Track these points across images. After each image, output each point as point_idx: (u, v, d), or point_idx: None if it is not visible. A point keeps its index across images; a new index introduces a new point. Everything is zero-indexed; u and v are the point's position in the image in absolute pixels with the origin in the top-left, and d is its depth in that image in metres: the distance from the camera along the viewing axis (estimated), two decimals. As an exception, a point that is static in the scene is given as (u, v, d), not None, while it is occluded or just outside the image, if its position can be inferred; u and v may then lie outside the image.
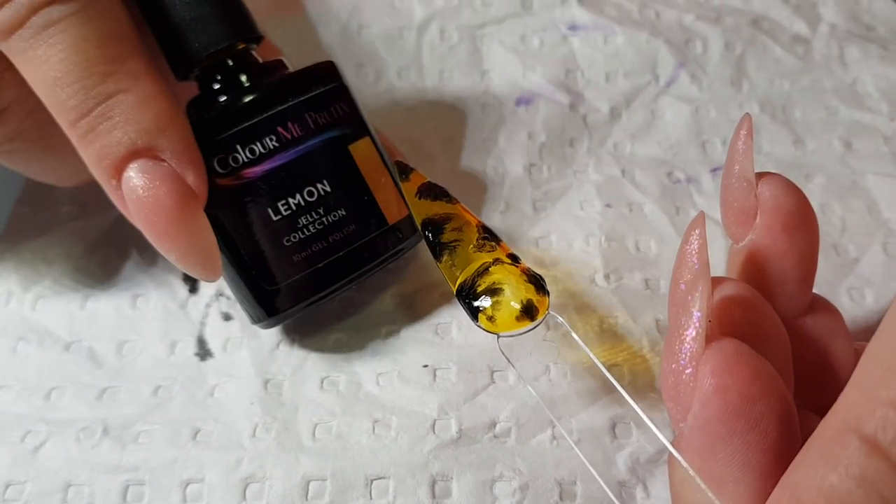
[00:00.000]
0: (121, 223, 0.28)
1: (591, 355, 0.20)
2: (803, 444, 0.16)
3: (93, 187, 0.29)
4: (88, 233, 0.28)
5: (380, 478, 0.21)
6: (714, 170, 0.29)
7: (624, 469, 0.22)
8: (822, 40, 0.33)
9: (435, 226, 0.23)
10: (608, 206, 0.28)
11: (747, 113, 0.19)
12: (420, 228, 0.23)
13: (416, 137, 0.30)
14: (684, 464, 0.16)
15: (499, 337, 0.21)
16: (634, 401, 0.18)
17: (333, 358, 0.24)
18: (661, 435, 0.17)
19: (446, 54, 0.32)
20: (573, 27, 0.33)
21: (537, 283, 0.21)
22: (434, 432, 0.22)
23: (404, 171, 0.24)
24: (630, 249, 0.26)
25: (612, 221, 0.27)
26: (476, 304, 0.21)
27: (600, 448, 0.22)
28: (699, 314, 0.16)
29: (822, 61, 0.32)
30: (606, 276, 0.26)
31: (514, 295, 0.21)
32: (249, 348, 0.25)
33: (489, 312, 0.21)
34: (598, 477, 0.21)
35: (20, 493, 0.22)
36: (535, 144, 0.30)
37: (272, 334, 0.25)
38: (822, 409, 0.17)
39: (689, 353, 0.16)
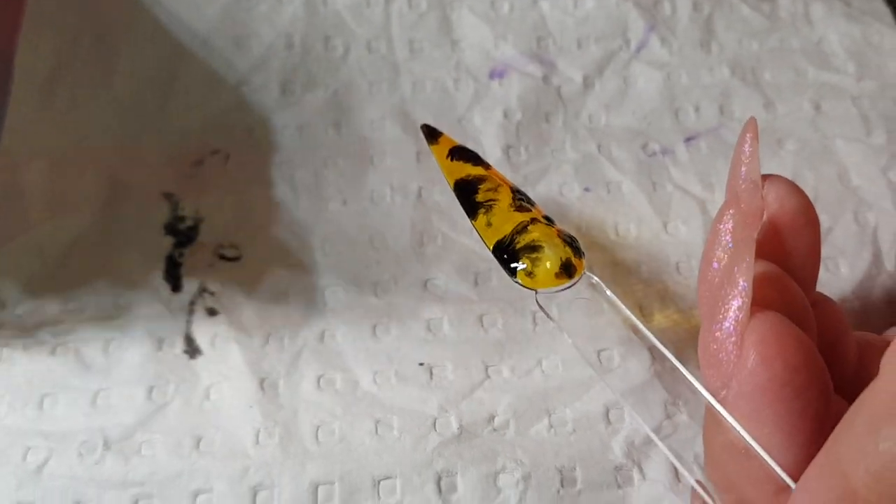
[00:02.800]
0: (96, 222, 0.27)
1: (628, 312, 0.21)
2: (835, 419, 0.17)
3: (70, 186, 0.28)
4: (64, 234, 0.27)
5: (386, 478, 0.22)
6: (688, 139, 0.29)
7: (620, 453, 0.22)
8: (787, -3, 0.33)
9: (469, 185, 0.23)
10: (587, 189, 0.28)
11: (753, 117, 0.19)
12: (453, 189, 0.23)
13: (389, 118, 0.30)
14: (735, 424, 0.17)
15: (537, 293, 0.21)
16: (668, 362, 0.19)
17: (326, 354, 0.24)
18: (706, 393, 0.18)
19: (416, 23, 0.32)
20: (542, -9, 0.32)
21: (573, 244, 0.22)
22: (436, 430, 0.23)
23: (432, 134, 0.24)
24: (610, 235, 0.27)
25: (592, 207, 0.27)
26: (515, 261, 0.21)
27: (596, 435, 0.23)
28: (745, 284, 0.17)
29: (789, 20, 0.32)
30: (590, 268, 0.26)
31: (553, 253, 0.21)
32: (238, 343, 0.25)
33: (529, 269, 0.21)
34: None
35: (29, 514, 0.22)
36: (512, 123, 0.29)
37: (260, 327, 0.25)
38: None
39: (734, 322, 0.17)
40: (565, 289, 0.21)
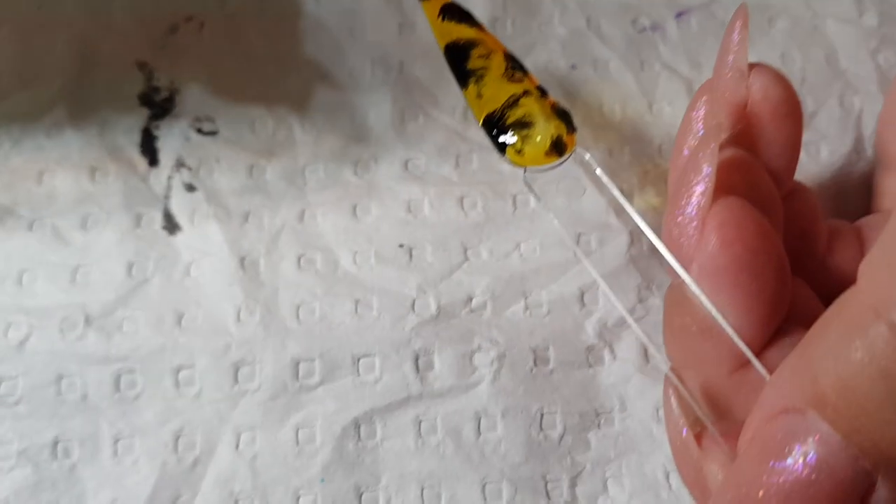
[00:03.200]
0: (67, 89, 0.27)
1: (616, 192, 0.21)
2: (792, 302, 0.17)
3: (38, 56, 0.27)
4: (36, 104, 0.27)
5: (366, 356, 0.23)
6: (679, 14, 0.28)
7: (592, 334, 0.23)
8: None
9: (460, 51, 0.22)
10: (573, 66, 0.27)
11: (744, 3, 0.19)
12: (443, 53, 0.23)
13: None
14: (705, 300, 0.17)
15: (525, 170, 0.21)
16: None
17: (306, 233, 0.25)
18: (679, 267, 0.18)
19: None
20: None
21: (566, 118, 0.21)
22: (414, 310, 0.23)
23: None
24: (595, 116, 0.26)
25: (578, 85, 0.27)
26: (504, 137, 0.21)
27: (570, 316, 0.23)
28: (709, 169, 0.17)
29: None
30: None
31: (543, 130, 0.21)
32: (218, 220, 0.25)
33: (518, 146, 0.21)
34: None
35: (14, 388, 0.22)
36: (499, -6, 0.28)
37: (239, 205, 0.25)
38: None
39: (696, 206, 0.17)
40: (555, 167, 0.21)
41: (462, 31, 0.23)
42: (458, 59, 0.22)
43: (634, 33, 0.28)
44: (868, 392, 0.14)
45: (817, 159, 0.26)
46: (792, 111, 0.19)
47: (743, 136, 0.19)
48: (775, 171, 0.19)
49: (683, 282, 0.18)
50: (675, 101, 0.27)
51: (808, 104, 0.27)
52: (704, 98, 0.20)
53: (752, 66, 0.19)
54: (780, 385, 0.15)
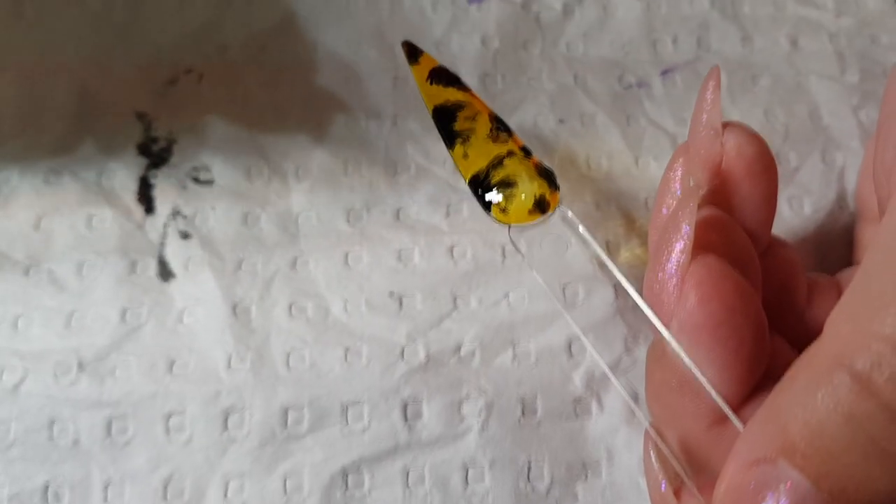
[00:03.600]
0: (67, 136, 0.27)
1: (598, 248, 0.22)
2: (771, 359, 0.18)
3: (39, 102, 0.28)
4: (34, 149, 0.27)
5: (355, 403, 0.23)
6: (664, 72, 0.29)
7: (580, 385, 0.23)
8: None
9: (447, 113, 0.23)
10: (561, 121, 0.28)
11: (716, 65, 0.20)
12: (431, 115, 0.23)
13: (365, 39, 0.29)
14: (683, 355, 0.18)
15: (510, 228, 0.22)
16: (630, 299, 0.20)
17: (298, 280, 0.25)
18: (660, 325, 0.18)
19: (393, -58, 0.31)
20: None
21: (549, 177, 0.22)
22: (403, 358, 0.23)
23: (413, 53, 0.24)
24: (582, 169, 0.27)
25: (566, 139, 0.28)
26: (489, 196, 0.22)
27: (558, 366, 0.24)
28: (688, 228, 0.18)
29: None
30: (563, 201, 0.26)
31: (527, 188, 0.22)
32: (212, 267, 0.25)
33: (502, 204, 0.22)
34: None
35: (7, 431, 0.23)
36: (490, 51, 0.29)
37: (233, 252, 0.25)
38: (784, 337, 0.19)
39: (675, 264, 0.18)
40: (538, 224, 0.22)
41: (449, 94, 0.24)
42: (446, 120, 0.23)
43: (620, 89, 0.29)
44: (834, 437, 0.14)
45: (801, 213, 0.26)
46: (766, 168, 0.20)
47: (719, 193, 0.20)
48: (752, 227, 0.20)
49: (664, 338, 0.18)
50: (661, 156, 0.27)
51: (791, 159, 0.27)
52: (681, 159, 0.20)
53: (725, 124, 0.20)
54: (752, 436, 0.16)
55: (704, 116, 0.20)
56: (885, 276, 0.15)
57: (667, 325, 0.18)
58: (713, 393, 0.17)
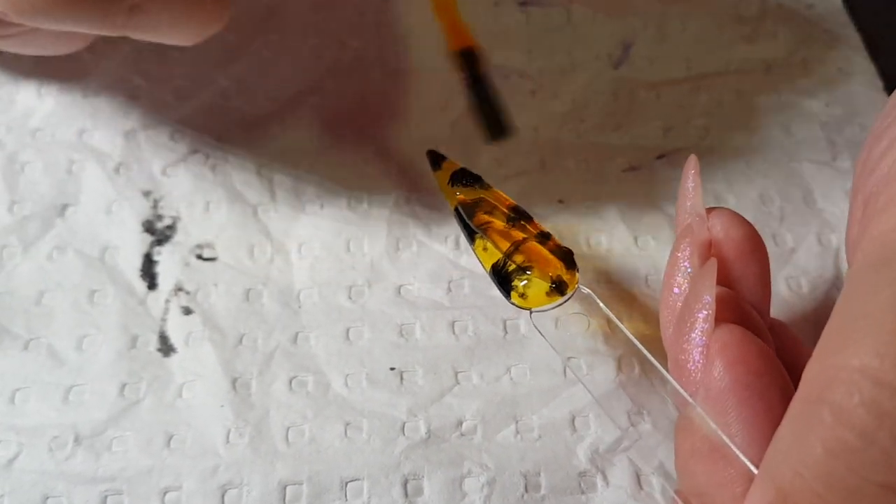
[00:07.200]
0: (65, 215, 0.28)
1: (620, 325, 0.22)
2: None
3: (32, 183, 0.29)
4: (30, 225, 0.27)
5: (354, 479, 0.22)
6: (659, 157, 0.30)
7: (584, 460, 0.23)
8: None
9: (467, 210, 0.24)
10: (560, 201, 0.28)
11: (693, 155, 0.21)
12: (454, 214, 0.24)
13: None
14: (708, 420, 0.18)
15: (531, 312, 0.23)
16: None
17: (299, 355, 0.25)
18: (686, 394, 0.19)
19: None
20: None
21: (566, 258, 0.23)
22: (404, 434, 0.23)
23: (436, 160, 0.26)
24: (583, 248, 0.27)
25: (568, 219, 0.28)
26: (508, 283, 0.23)
27: (561, 441, 0.23)
28: (709, 298, 0.18)
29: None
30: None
31: (543, 272, 0.22)
32: (212, 342, 0.25)
33: (521, 290, 0.22)
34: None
35: (-2, 507, 0.22)
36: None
37: (234, 328, 0.25)
38: None
39: (700, 332, 0.18)
40: (557, 306, 0.23)
41: (469, 194, 0.25)
42: (466, 217, 0.24)
43: (619, 172, 0.29)
44: (818, 476, 0.14)
45: (799, 293, 0.27)
46: (755, 248, 0.20)
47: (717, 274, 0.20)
48: (753, 306, 0.20)
49: (691, 408, 0.18)
50: (660, 236, 0.28)
51: (787, 241, 0.28)
52: (687, 239, 0.21)
53: (710, 209, 0.21)
54: (751, 499, 0.16)
55: (689, 203, 0.21)
56: (846, 317, 0.15)
57: (693, 395, 0.18)
58: (742, 457, 0.17)
